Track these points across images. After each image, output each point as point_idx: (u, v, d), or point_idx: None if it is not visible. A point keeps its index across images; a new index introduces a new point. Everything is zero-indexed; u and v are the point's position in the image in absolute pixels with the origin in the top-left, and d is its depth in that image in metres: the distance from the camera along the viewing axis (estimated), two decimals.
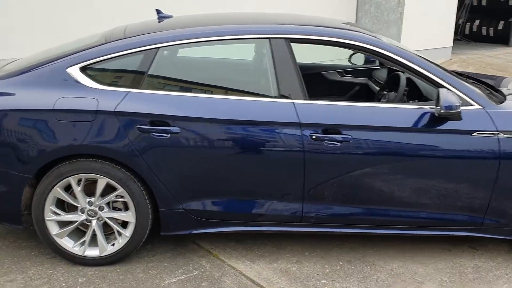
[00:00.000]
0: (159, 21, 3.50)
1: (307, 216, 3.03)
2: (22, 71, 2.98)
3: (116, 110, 2.83)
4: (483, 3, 13.93)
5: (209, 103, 2.92)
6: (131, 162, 2.88)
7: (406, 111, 2.95)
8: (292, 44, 2.99)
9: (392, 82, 3.55)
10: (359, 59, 4.66)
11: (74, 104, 2.85)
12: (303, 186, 2.95)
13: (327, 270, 3.06)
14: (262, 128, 2.88)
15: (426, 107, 2.93)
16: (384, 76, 4.19)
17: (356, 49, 3.09)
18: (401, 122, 2.91)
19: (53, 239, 3.02)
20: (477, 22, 13.89)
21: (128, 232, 3.01)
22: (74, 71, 2.92)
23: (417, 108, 2.94)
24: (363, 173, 2.94)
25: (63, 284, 2.87)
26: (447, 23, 9.86)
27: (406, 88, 3.35)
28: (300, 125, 2.87)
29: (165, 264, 3.10)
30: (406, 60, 2.98)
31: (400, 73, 3.42)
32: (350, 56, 4.58)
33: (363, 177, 2.96)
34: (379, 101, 3.53)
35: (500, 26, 13.48)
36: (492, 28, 13.64)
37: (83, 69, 2.92)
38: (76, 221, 3.01)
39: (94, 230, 3.01)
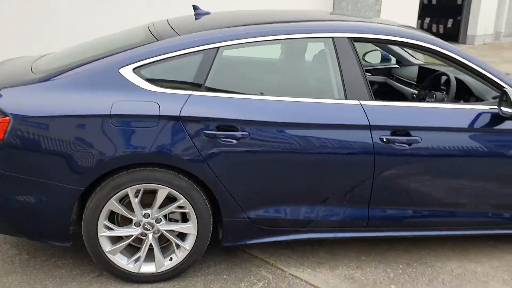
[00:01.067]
0: (196, 18, 3.28)
1: (373, 220, 2.96)
2: (65, 72, 2.67)
3: (181, 115, 2.61)
4: (433, 1, 14.50)
5: (276, 106, 2.75)
6: (196, 170, 2.66)
7: (471, 112, 2.94)
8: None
9: (435, 82, 3.54)
10: (374, 58, 4.64)
11: (134, 109, 2.59)
12: (371, 190, 2.87)
13: (391, 275, 3.01)
14: (331, 131, 2.76)
15: (489, 108, 2.93)
16: (407, 75, 4.20)
17: (419, 49, 3.02)
18: (469, 122, 2.90)
19: (106, 257, 2.74)
20: (427, 19, 14.44)
21: (188, 245, 2.79)
22: (128, 72, 2.65)
23: (484, 108, 2.94)
24: (430, 175, 2.91)
25: None
26: (411, 21, 10.16)
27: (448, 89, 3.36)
28: (370, 128, 2.78)
29: (225, 276, 2.91)
30: (468, 61, 2.97)
31: (447, 73, 3.42)
32: (364, 55, 4.55)
33: (429, 179, 2.92)
34: (421, 101, 3.51)
35: (450, 24, 14.10)
36: (442, 26, 14.24)
37: (136, 70, 2.67)
38: (131, 236, 2.75)
39: (150, 245, 2.77)
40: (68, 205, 2.62)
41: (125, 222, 2.76)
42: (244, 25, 2.91)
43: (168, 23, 3.08)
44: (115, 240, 2.76)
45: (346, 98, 2.82)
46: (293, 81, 3.04)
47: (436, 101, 3.35)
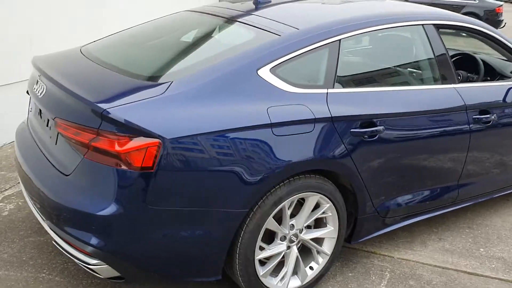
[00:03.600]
0: (258, 7, 3.04)
1: (461, 195, 3.21)
2: (190, 80, 2.26)
3: (332, 115, 2.46)
4: None
5: (403, 96, 2.79)
6: (345, 171, 2.55)
7: None
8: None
9: (459, 63, 3.87)
10: None
11: (290, 114, 2.35)
12: (463, 166, 3.10)
13: (469, 238, 3.32)
14: (442, 115, 2.91)
15: None
16: None
17: (483, 36, 3.31)
18: None
19: (260, 282, 2.46)
20: None
21: (327, 250, 2.67)
22: (266, 73, 2.39)
23: None
24: (506, 143, 3.28)
25: None
26: None
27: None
28: (466, 109, 3.00)
29: (350, 274, 2.85)
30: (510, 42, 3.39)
31: (473, 54, 3.81)
32: None
33: (501, 149, 3.30)
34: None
35: None
36: None
37: (273, 70, 2.41)
38: (280, 253, 2.52)
39: (295, 257, 2.57)
40: (228, 231, 2.28)
41: (269, 239, 2.51)
42: (345, 16, 2.82)
43: (261, 16, 2.80)
44: (261, 261, 2.50)
45: (443, 83, 2.98)
46: (403, 69, 3.07)
47: (463, 80, 3.72)
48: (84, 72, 2.54)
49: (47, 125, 2.52)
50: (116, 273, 2.22)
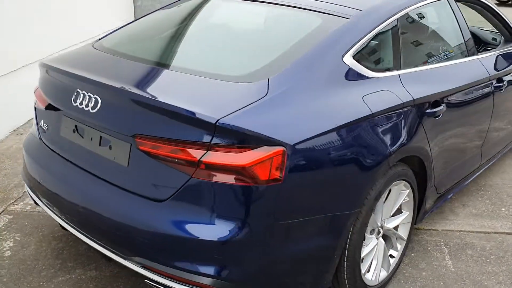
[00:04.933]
0: None
1: (483, 159, 3.36)
2: (278, 76, 2.03)
3: (414, 98, 2.38)
4: None
5: (456, 71, 2.85)
6: (424, 154, 2.50)
7: None
8: None
9: None
10: None
11: (383, 102, 2.23)
12: (486, 133, 3.23)
13: (498, 201, 3.50)
14: (479, 87, 3.00)
15: None
16: None
17: (478, 4, 3.41)
18: None
19: (363, 281, 2.34)
20: None
21: (404, 235, 2.63)
22: (349, 60, 2.22)
23: None
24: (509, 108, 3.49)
25: None
26: None
27: None
28: (490, 79, 3.11)
29: (413, 255, 2.85)
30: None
31: None
32: None
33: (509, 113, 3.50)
34: None
35: None
36: None
37: (355, 56, 2.26)
38: (374, 247, 2.41)
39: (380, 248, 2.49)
40: (342, 234, 2.11)
41: None
42: None
43: None
44: None
45: (472, 55, 3.06)
46: (445, 44, 3.04)
47: None
48: (151, 78, 2.15)
49: (100, 144, 2.11)
50: None
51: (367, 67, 2.29)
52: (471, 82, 2.90)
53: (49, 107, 2.36)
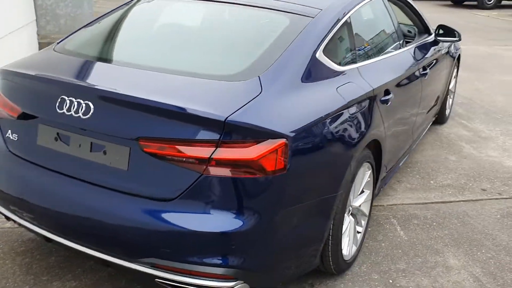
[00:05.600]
0: None
1: (414, 138, 3.78)
2: (267, 72, 2.17)
3: (374, 88, 2.64)
4: None
5: (397, 61, 3.19)
6: (382, 138, 2.78)
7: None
8: None
9: None
10: None
11: (352, 93, 2.47)
12: (416, 114, 3.63)
13: (426, 176, 3.93)
14: (413, 75, 3.40)
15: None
16: None
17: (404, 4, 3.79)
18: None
19: (343, 257, 2.56)
20: None
21: (366, 212, 2.90)
22: (321, 56, 2.43)
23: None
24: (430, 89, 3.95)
25: None
26: None
27: None
28: (418, 67, 3.51)
29: (369, 229, 3.14)
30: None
31: None
32: None
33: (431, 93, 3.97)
34: None
35: None
36: None
37: (324, 52, 2.46)
38: (348, 224, 2.64)
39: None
40: (330, 215, 2.32)
41: None
42: None
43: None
44: None
45: (400, 48, 3.42)
46: (384, 38, 3.32)
47: None
48: (143, 80, 2.16)
49: (91, 150, 2.09)
50: None
51: (333, 62, 2.50)
52: (407, 71, 3.26)
53: (21, 116, 2.26)
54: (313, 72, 2.33)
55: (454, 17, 6.10)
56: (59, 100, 2.10)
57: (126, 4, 3.00)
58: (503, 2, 16.68)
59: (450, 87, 5.00)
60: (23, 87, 2.28)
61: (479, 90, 6.57)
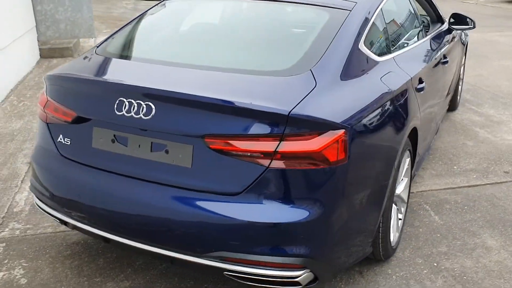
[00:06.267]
0: None
1: (438, 126, 3.85)
2: (318, 66, 2.23)
3: (412, 76, 2.71)
4: None
5: (425, 49, 3.26)
6: (419, 124, 2.85)
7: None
8: None
9: None
10: None
11: (394, 83, 2.52)
12: (440, 102, 3.71)
13: (449, 161, 4.02)
14: (437, 62, 3.45)
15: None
16: None
17: None
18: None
19: (391, 243, 2.64)
20: None
21: (405, 198, 2.96)
22: (363, 48, 2.48)
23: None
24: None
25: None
26: None
27: None
28: (441, 55, 3.58)
29: (415, 216, 3.22)
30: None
31: None
32: None
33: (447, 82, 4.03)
34: None
35: None
36: None
37: (365, 43, 2.52)
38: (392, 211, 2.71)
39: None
40: (382, 203, 2.39)
41: None
42: None
43: None
44: None
45: (424, 37, 3.51)
46: (411, 28, 3.39)
47: None
48: (200, 80, 2.20)
49: (152, 150, 2.12)
50: (312, 277, 2.11)
51: (373, 53, 2.56)
52: (434, 59, 3.34)
53: (75, 120, 2.29)
54: (358, 63, 2.39)
55: (444, 6, 6.21)
56: (117, 102, 2.14)
57: (159, 4, 3.03)
58: None
59: (460, 73, 5.10)
60: (77, 91, 2.30)
61: (482, 76, 6.69)
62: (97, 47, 2.68)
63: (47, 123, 2.43)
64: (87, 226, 2.32)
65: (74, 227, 2.43)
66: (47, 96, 2.44)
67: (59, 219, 2.45)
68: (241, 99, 1.98)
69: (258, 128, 1.95)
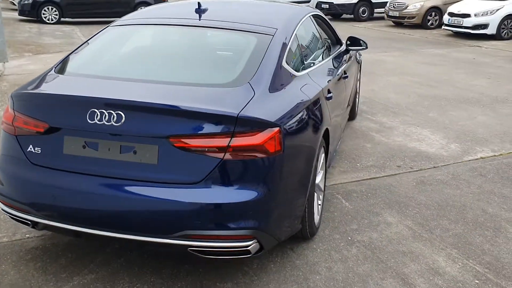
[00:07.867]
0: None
1: (342, 130, 4.58)
2: (255, 78, 2.80)
3: (322, 88, 3.36)
4: None
5: (327, 67, 3.95)
6: (330, 126, 3.50)
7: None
8: None
9: None
10: None
11: (311, 92, 3.14)
12: (344, 110, 4.43)
13: (353, 160, 4.74)
14: (340, 77, 4.16)
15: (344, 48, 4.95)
16: None
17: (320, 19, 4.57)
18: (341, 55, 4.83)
19: (315, 223, 3.23)
20: None
21: (322, 187, 3.58)
22: (286, 65, 3.09)
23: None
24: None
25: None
26: None
27: None
28: (343, 71, 4.32)
29: (329, 203, 3.84)
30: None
31: None
32: None
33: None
34: None
35: None
36: None
37: (286, 62, 3.12)
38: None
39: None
40: (308, 185, 2.98)
41: None
42: None
43: (223, 20, 3.33)
44: None
45: (329, 56, 4.22)
46: (318, 48, 4.06)
47: None
48: (160, 92, 2.65)
49: (121, 152, 2.54)
50: (258, 247, 2.62)
51: (292, 69, 3.18)
52: (338, 74, 4.06)
53: (47, 130, 2.62)
54: (283, 77, 2.99)
55: (338, 29, 7.04)
56: (89, 112, 2.52)
57: (103, 30, 3.43)
58: (375, 15, 18.80)
59: (357, 88, 5.95)
60: (48, 105, 2.64)
61: (375, 90, 7.71)
62: (55, 67, 3.02)
63: (16, 135, 2.72)
64: (59, 223, 2.64)
65: (45, 227, 2.74)
66: (14, 112, 2.74)
67: (29, 221, 2.73)
68: (199, 105, 2.47)
69: (214, 127, 2.45)
